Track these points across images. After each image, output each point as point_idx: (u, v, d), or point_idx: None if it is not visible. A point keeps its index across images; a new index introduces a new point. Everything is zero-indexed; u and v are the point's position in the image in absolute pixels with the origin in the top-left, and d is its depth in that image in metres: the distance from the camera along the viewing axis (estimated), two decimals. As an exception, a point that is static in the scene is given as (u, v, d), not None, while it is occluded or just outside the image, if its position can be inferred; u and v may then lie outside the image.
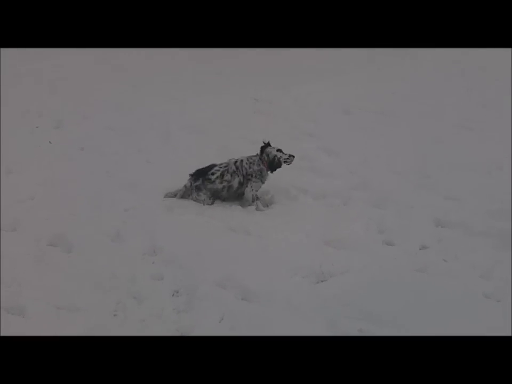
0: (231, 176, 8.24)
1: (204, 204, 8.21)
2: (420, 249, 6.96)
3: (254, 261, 6.73)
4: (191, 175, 8.33)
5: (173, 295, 6.18)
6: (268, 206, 8.21)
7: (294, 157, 8.33)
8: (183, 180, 8.40)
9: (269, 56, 16.70)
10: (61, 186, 8.61)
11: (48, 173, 9.01)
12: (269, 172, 8.33)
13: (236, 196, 8.36)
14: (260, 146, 8.38)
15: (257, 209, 8.09)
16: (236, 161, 8.34)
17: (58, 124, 11.44)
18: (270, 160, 8.26)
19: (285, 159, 8.28)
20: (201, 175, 8.27)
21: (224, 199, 8.36)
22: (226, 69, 15.55)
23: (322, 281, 6.37)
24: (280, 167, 8.28)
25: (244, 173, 8.24)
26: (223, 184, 8.22)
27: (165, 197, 8.38)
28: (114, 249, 7.02)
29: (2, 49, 14.62)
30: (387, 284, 6.18)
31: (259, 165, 8.27)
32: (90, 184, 8.70)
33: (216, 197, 8.32)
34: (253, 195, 8.21)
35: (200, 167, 8.39)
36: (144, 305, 5.99)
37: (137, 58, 16.45)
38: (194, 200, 8.27)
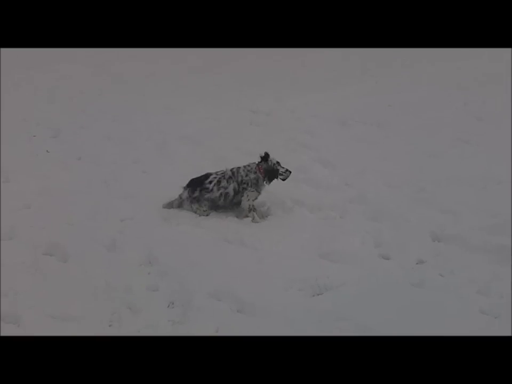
0: (227, 182, 8.25)
1: (200, 215, 8.23)
2: (417, 263, 6.95)
3: (249, 273, 6.73)
4: (187, 186, 8.35)
5: (168, 306, 6.18)
6: (264, 217, 8.21)
7: (290, 172, 8.36)
8: (179, 190, 8.41)
9: (267, 68, 16.78)
10: (57, 195, 8.64)
11: (45, 182, 9.04)
12: (265, 183, 8.33)
13: (232, 205, 8.37)
14: (260, 157, 8.35)
15: (253, 220, 8.10)
16: (232, 168, 8.37)
17: (56, 133, 11.48)
18: (268, 167, 8.26)
19: (281, 172, 8.30)
20: (198, 185, 8.29)
21: (221, 208, 8.36)
22: (223, 80, 15.59)
23: (318, 294, 6.37)
24: (276, 177, 8.30)
25: (239, 180, 8.24)
26: (220, 191, 8.22)
27: (163, 207, 8.39)
28: (110, 259, 7.03)
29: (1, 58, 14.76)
30: (383, 298, 6.16)
31: (255, 172, 8.27)
32: (87, 193, 8.74)
33: (213, 207, 8.31)
34: (249, 205, 8.21)
35: (195, 176, 8.44)
36: (139, 316, 5.99)
37: (135, 69, 16.50)
38: (191, 210, 8.30)
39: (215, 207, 8.34)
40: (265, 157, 8.31)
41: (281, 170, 8.30)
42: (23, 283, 6.38)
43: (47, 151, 10.48)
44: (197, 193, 8.24)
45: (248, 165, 8.38)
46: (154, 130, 11.71)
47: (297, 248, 7.36)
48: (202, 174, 8.44)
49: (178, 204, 8.40)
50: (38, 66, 16.02)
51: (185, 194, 8.32)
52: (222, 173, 8.35)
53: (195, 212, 8.26)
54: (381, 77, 15.67)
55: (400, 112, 12.70)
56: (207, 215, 8.26)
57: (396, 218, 7.90)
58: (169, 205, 8.42)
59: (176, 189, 8.43)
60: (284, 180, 8.36)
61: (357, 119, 12.39)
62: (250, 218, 8.09)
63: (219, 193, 8.24)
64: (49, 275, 6.63)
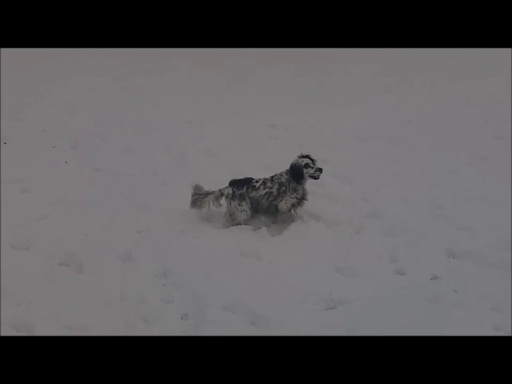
0: (271, 183, 8.35)
1: (234, 219, 8.32)
2: (431, 279, 6.91)
3: (264, 286, 6.74)
4: (230, 185, 8.40)
5: (182, 318, 6.21)
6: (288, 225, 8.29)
7: (321, 170, 8.34)
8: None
9: (287, 83, 16.80)
10: (75, 206, 8.72)
11: (63, 192, 9.12)
12: (303, 187, 8.38)
13: (272, 209, 8.40)
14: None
15: (290, 219, 8.33)
16: (271, 176, 8.50)
17: (75, 144, 11.56)
18: (293, 165, 8.31)
19: (311, 174, 8.30)
20: (246, 183, 8.38)
21: (261, 211, 8.42)
22: (243, 94, 15.59)
23: (332, 308, 6.36)
24: (300, 176, 8.26)
25: (280, 181, 8.33)
26: (266, 190, 8.31)
27: (193, 196, 8.42)
28: (126, 271, 7.08)
29: (22, 69, 14.91)
30: (397, 313, 6.15)
31: (287, 173, 8.35)
32: (105, 204, 8.80)
33: (255, 207, 8.37)
34: (287, 206, 8.29)
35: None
36: (152, 327, 6.02)
37: (155, 82, 16.57)
38: (231, 215, 8.36)
39: (255, 209, 8.39)
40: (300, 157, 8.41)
41: (310, 172, 8.28)
42: (37, 293, 6.45)
43: (65, 162, 10.57)
44: (243, 190, 8.30)
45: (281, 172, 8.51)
46: (173, 143, 11.74)
47: (313, 262, 7.34)
48: (243, 177, 8.57)
49: (214, 198, 8.41)
50: (60, 78, 16.13)
51: (229, 191, 8.35)
52: (265, 178, 8.47)
53: (231, 214, 8.34)
54: (401, 94, 15.63)
55: (419, 129, 12.65)
56: (244, 220, 8.32)
57: (412, 234, 7.87)
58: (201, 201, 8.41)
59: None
60: (316, 178, 8.39)
61: (375, 136, 12.35)
62: (265, 232, 8.10)
63: (264, 192, 8.31)
64: (64, 285, 6.70)
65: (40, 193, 9.09)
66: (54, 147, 11.36)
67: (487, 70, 17.27)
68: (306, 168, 8.27)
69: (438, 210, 8.60)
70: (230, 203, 8.31)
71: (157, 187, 9.65)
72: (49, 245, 7.54)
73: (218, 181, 8.63)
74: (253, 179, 8.48)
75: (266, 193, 8.33)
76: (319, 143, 11.79)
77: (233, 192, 8.31)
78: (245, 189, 8.31)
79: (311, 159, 8.39)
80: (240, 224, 8.30)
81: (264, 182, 8.40)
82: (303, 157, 8.39)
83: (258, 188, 8.34)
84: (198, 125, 12.91)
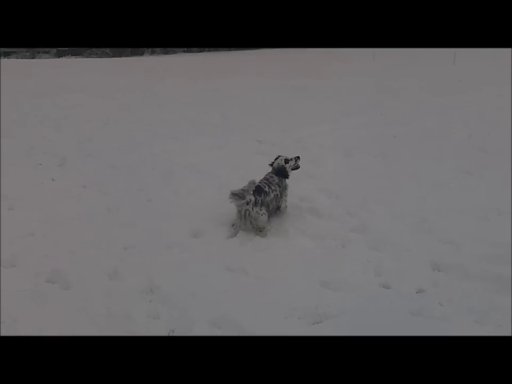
0: (274, 186, 8.71)
1: (266, 219, 8.45)
2: (416, 292, 6.94)
3: (250, 301, 6.74)
4: (247, 192, 8.33)
5: (168, 334, 6.19)
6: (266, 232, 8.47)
7: (299, 158, 9.18)
8: (183, 219, 8.44)
9: (273, 99, 16.88)
10: (61, 223, 8.70)
11: (50, 209, 9.12)
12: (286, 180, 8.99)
13: (276, 209, 8.86)
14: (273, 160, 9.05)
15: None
16: (265, 179, 8.87)
17: (62, 161, 11.60)
18: (276, 166, 9.00)
19: (293, 165, 9.11)
20: (260, 189, 8.50)
21: (271, 211, 8.67)
22: (230, 111, 15.67)
23: (317, 322, 6.37)
24: (285, 174, 9.01)
25: (276, 182, 8.80)
26: (274, 193, 8.63)
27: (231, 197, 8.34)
28: (112, 287, 7.04)
29: (8, 85, 14.91)
30: (382, 327, 6.17)
31: (272, 175, 8.86)
32: (91, 221, 8.79)
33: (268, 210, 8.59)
34: (286, 204, 8.96)
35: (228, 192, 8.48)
36: (139, 343, 6.01)
37: (141, 99, 16.63)
38: (253, 220, 8.41)
39: (269, 209, 8.63)
40: (276, 159, 9.06)
41: (292, 164, 9.09)
42: (23, 310, 6.40)
43: (52, 179, 10.57)
44: (262, 197, 8.42)
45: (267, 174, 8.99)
46: (160, 159, 11.80)
47: (299, 276, 7.35)
48: (245, 185, 8.53)
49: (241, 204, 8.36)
50: (47, 95, 16.18)
51: (251, 197, 8.33)
52: (265, 180, 8.80)
53: (255, 219, 8.38)
54: (386, 109, 15.75)
55: (405, 144, 12.78)
56: (265, 223, 8.44)
57: (397, 248, 7.92)
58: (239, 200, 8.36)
59: (181, 218, 8.48)
60: (298, 168, 9.23)
61: (361, 150, 12.46)
62: (251, 247, 8.13)
63: (273, 195, 8.61)
64: (50, 303, 6.65)
65: (26, 210, 9.10)
66: (40, 164, 11.39)
67: (471, 84, 17.42)
68: (288, 163, 9.01)
69: (423, 223, 8.66)
70: (253, 209, 8.33)
71: (143, 203, 9.66)
72: (36, 262, 7.51)
73: (204, 195, 8.66)
74: (259, 184, 8.59)
75: (274, 195, 8.63)
76: (305, 158, 11.79)
77: (256, 199, 8.36)
78: (262, 195, 8.43)
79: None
80: (263, 227, 8.44)
81: (269, 185, 8.62)
82: (276, 158, 9.07)
83: (269, 192, 8.55)
84: (184, 141, 12.99)
